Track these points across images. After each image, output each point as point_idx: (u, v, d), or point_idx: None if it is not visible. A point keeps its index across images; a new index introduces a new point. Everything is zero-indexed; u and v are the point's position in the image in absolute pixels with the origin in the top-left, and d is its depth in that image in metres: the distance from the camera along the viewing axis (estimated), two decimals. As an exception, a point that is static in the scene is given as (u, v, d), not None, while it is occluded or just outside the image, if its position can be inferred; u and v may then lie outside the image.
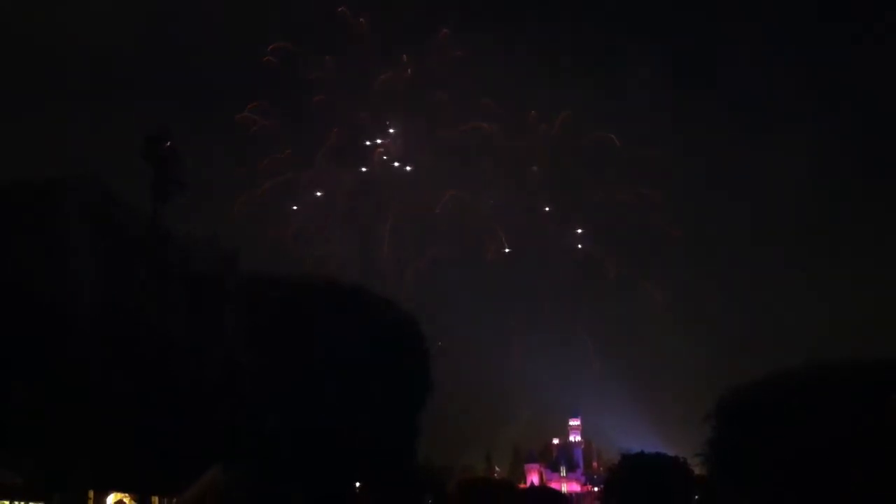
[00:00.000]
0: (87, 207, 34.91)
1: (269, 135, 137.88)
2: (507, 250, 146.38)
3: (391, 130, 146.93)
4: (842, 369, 47.47)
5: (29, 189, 35.22)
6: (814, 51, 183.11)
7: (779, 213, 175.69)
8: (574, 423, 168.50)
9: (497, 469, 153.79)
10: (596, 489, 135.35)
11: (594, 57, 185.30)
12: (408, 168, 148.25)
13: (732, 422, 52.19)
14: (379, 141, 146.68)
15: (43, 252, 33.46)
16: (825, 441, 44.17)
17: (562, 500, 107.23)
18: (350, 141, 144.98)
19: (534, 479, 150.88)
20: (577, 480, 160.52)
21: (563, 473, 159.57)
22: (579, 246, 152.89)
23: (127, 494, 38.46)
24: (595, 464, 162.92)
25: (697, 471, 69.87)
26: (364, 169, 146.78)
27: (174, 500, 38.06)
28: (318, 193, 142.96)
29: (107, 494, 37.37)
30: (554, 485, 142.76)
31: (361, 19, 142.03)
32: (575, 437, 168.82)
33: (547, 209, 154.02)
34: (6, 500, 32.72)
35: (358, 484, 49.63)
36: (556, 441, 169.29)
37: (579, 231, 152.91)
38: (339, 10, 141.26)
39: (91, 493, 35.43)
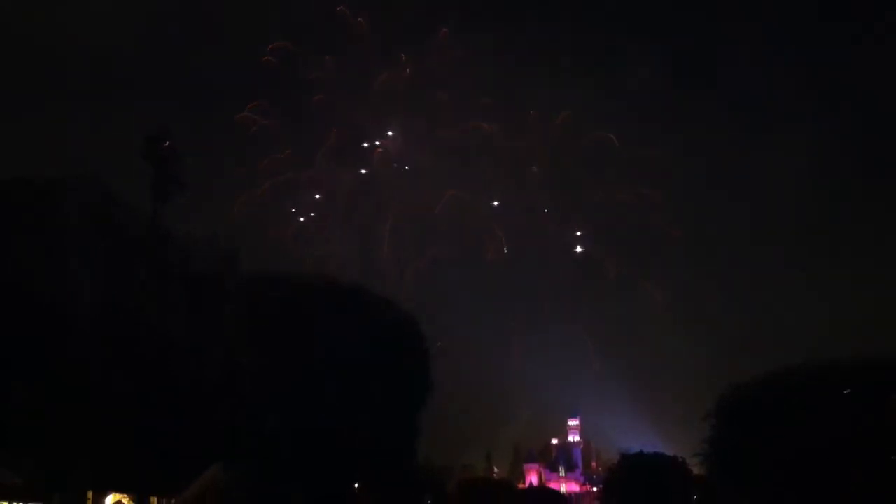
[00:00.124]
0: (87, 207, 34.93)
1: (269, 135, 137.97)
2: (506, 250, 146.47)
3: (391, 131, 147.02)
4: (842, 368, 47.39)
5: (29, 189, 35.24)
6: (814, 51, 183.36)
7: (779, 213, 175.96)
8: (573, 423, 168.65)
9: (496, 469, 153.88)
10: (595, 489, 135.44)
11: (594, 57, 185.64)
12: (407, 168, 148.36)
13: (732, 421, 52.07)
14: (379, 141, 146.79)
15: (43, 252, 33.46)
16: (825, 440, 44.09)
17: (561, 501, 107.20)
18: (350, 141, 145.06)
19: (533, 479, 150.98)
20: (577, 480, 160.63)
21: (563, 473, 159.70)
22: (579, 246, 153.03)
23: (125, 495, 38.43)
24: (594, 464, 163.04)
25: (696, 470, 69.82)
26: (364, 169, 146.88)
27: (173, 501, 38.06)
28: (318, 195, 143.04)
29: (105, 495, 37.34)
30: (553, 485, 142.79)
31: (360, 19, 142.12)
32: (574, 437, 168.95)
33: (547, 209, 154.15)
34: (6, 500, 32.68)
35: (357, 484, 49.59)
36: (555, 441, 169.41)
37: (579, 231, 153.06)
38: (339, 9, 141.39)
39: (90, 494, 35.39)
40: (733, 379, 54.71)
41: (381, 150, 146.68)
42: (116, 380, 34.33)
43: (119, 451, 33.81)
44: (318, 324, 43.29)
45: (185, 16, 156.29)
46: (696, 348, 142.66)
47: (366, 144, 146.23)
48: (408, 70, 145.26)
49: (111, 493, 38.30)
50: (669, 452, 78.95)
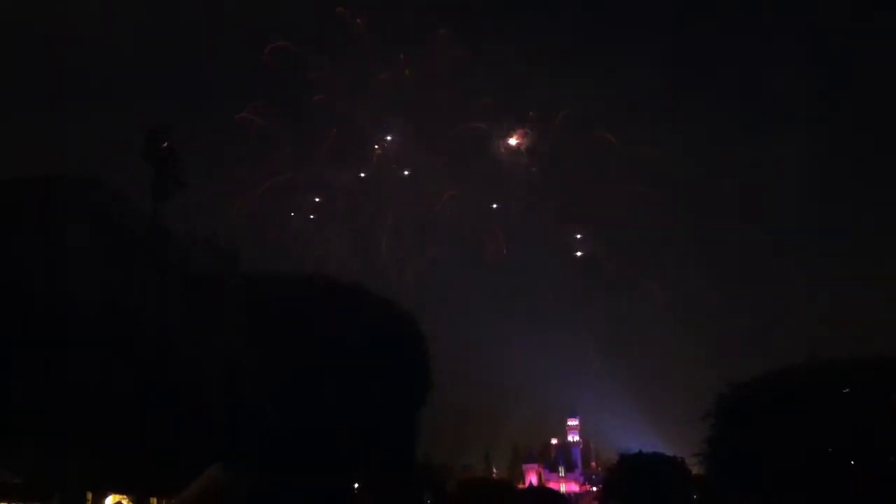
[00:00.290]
0: (87, 207, 34.83)
1: (268, 134, 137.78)
2: (506, 251, 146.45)
3: (390, 131, 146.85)
4: (841, 368, 47.45)
5: (29, 188, 35.16)
6: (814, 50, 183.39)
7: (779, 212, 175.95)
8: (572, 422, 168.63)
9: (494, 469, 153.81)
10: (594, 489, 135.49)
11: (594, 57, 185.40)
12: (407, 168, 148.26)
13: (731, 420, 52.08)
14: (378, 141, 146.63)
15: (43, 252, 33.40)
16: (824, 439, 44.16)
17: (561, 501, 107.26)
18: (349, 141, 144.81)
19: (532, 479, 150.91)
20: (576, 480, 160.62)
21: (562, 473, 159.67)
22: (579, 246, 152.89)
23: (125, 496, 38.34)
24: (593, 463, 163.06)
25: (695, 470, 69.84)
26: (363, 169, 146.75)
27: (172, 501, 37.95)
28: (317, 195, 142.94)
29: (105, 496, 37.26)
30: (552, 485, 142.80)
31: (359, 20, 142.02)
32: (573, 437, 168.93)
33: (547, 209, 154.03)
34: (6, 500, 32.64)
35: (357, 484, 49.62)
36: (554, 441, 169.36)
37: (579, 231, 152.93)
38: (338, 10, 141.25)
39: (89, 495, 35.32)
40: (732, 379, 54.76)
41: (380, 150, 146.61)
42: (116, 380, 34.28)
43: (119, 452, 33.76)
44: (318, 324, 43.34)
45: (185, 15, 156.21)
46: (695, 348, 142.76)
47: (365, 144, 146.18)
48: (407, 70, 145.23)
49: (111, 493, 38.22)
50: (669, 452, 79.04)
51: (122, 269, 36.46)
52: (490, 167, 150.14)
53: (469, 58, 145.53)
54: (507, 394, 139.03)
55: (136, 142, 41.86)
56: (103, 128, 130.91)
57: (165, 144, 40.99)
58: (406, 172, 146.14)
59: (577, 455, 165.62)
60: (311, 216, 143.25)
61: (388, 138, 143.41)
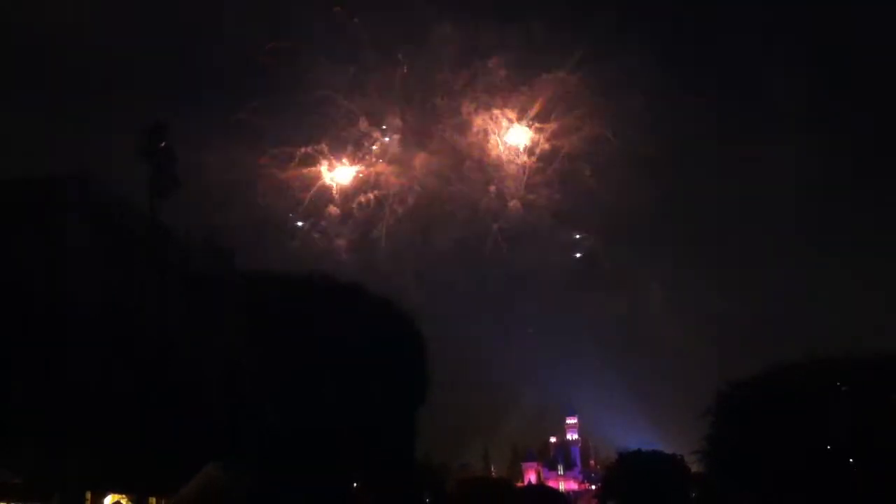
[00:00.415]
0: (87, 207, 34.81)
1: (267, 134, 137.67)
2: (505, 249, 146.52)
3: (390, 130, 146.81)
4: (840, 366, 47.48)
5: (29, 188, 35.13)
6: (814, 50, 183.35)
7: (779, 209, 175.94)
8: (571, 421, 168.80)
9: (493, 468, 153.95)
10: (593, 487, 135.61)
11: (594, 55, 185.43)
12: (406, 166, 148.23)
13: (730, 418, 52.13)
14: (377, 139, 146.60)
15: (43, 252, 33.38)
16: (825, 438, 44.23)
17: (560, 499, 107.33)
18: (349, 140, 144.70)
19: (531, 477, 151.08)
20: (575, 479, 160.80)
21: (561, 472, 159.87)
22: (578, 246, 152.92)
23: (124, 495, 38.34)
24: (592, 462, 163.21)
25: (694, 468, 69.89)
26: (363, 168, 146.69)
27: (170, 501, 37.94)
28: (318, 193, 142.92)
29: (104, 495, 37.26)
30: (551, 483, 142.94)
31: (356, 19, 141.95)
32: (572, 436, 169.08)
33: (547, 208, 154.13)
34: (6, 500, 32.64)
35: (356, 484, 49.67)
36: (553, 439, 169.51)
37: (579, 230, 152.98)
38: (337, 9, 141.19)
39: (88, 495, 35.33)
40: (732, 376, 54.76)
41: (379, 148, 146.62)
42: (116, 379, 34.28)
43: (119, 452, 33.77)
44: (317, 323, 43.37)
45: (184, 15, 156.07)
46: (694, 346, 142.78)
47: (366, 143, 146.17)
48: (406, 68, 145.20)
49: (110, 493, 38.22)
50: (668, 450, 79.11)
51: (122, 269, 36.44)
52: (491, 166, 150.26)
53: (468, 57, 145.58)
54: (505, 392, 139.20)
55: (134, 141, 41.82)
56: (103, 128, 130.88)
57: (163, 144, 40.97)
58: (406, 166, 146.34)
59: (575, 453, 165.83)
60: (311, 215, 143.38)
61: (387, 139, 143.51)
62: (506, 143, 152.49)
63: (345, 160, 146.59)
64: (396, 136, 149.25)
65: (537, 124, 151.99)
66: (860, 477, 43.35)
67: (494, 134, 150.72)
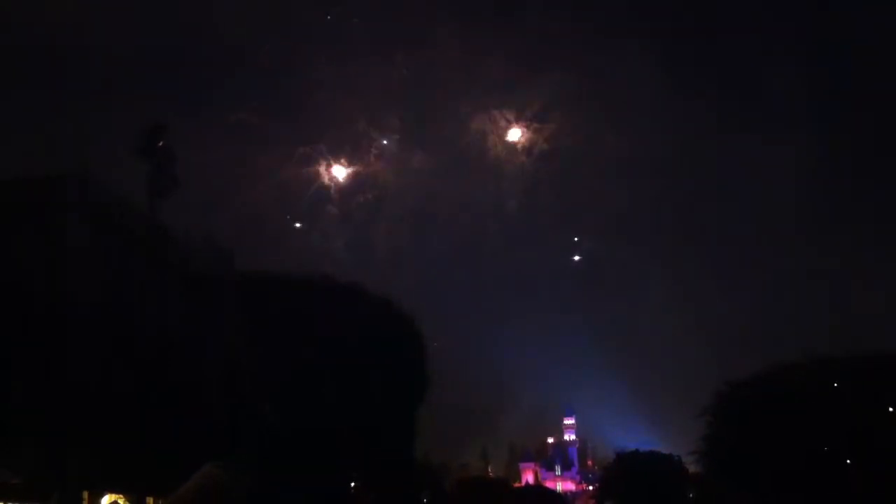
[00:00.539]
0: (87, 207, 34.82)
1: (268, 134, 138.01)
2: (505, 249, 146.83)
3: (389, 130, 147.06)
4: (839, 365, 47.52)
5: (29, 188, 35.14)
6: (814, 49, 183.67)
7: (776, 210, 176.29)
8: (569, 421, 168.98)
9: (490, 468, 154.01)
10: (591, 488, 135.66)
11: (593, 55, 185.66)
12: (405, 166, 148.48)
13: (728, 418, 52.18)
14: (377, 140, 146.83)
15: (43, 252, 33.38)
16: (823, 438, 44.26)
17: (558, 500, 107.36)
18: (348, 140, 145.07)
19: (529, 477, 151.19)
20: (573, 479, 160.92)
21: (559, 472, 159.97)
22: (578, 245, 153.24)
23: (122, 495, 38.34)
24: (590, 462, 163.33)
25: (692, 468, 69.97)
26: (362, 167, 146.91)
27: (167, 501, 37.86)
28: (316, 194, 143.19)
29: (101, 495, 37.26)
30: (549, 483, 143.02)
31: (356, 19, 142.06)
32: (570, 436, 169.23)
33: (547, 208, 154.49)
34: (5, 499, 32.63)
35: (355, 483, 49.69)
36: (551, 440, 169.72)
37: (578, 230, 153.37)
38: (338, 9, 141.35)
39: (86, 494, 35.33)
40: (730, 376, 54.82)
41: (379, 148, 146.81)
42: (116, 379, 34.29)
43: (118, 452, 33.78)
44: (317, 323, 43.36)
45: (183, 15, 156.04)
46: (694, 346, 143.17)
47: (365, 143, 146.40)
48: (405, 69, 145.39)
49: (107, 493, 38.22)
50: (665, 450, 79.19)
51: (122, 269, 36.46)
52: (489, 166, 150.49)
53: (468, 58, 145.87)
54: (503, 392, 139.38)
55: (132, 140, 41.83)
56: (103, 128, 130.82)
57: (162, 143, 40.99)
58: (404, 166, 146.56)
59: (573, 454, 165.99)
60: (310, 215, 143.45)
61: (389, 131, 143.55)
62: (504, 143, 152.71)
63: (343, 160, 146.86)
64: (395, 136, 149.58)
65: (536, 124, 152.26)
66: (858, 478, 43.40)
67: (493, 134, 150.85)
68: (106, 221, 35.87)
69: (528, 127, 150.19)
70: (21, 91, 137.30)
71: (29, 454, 31.93)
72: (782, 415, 46.74)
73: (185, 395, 36.52)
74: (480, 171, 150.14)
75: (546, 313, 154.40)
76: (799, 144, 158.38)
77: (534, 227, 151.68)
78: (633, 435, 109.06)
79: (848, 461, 44.60)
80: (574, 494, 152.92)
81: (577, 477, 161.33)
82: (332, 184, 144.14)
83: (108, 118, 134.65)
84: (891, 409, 45.40)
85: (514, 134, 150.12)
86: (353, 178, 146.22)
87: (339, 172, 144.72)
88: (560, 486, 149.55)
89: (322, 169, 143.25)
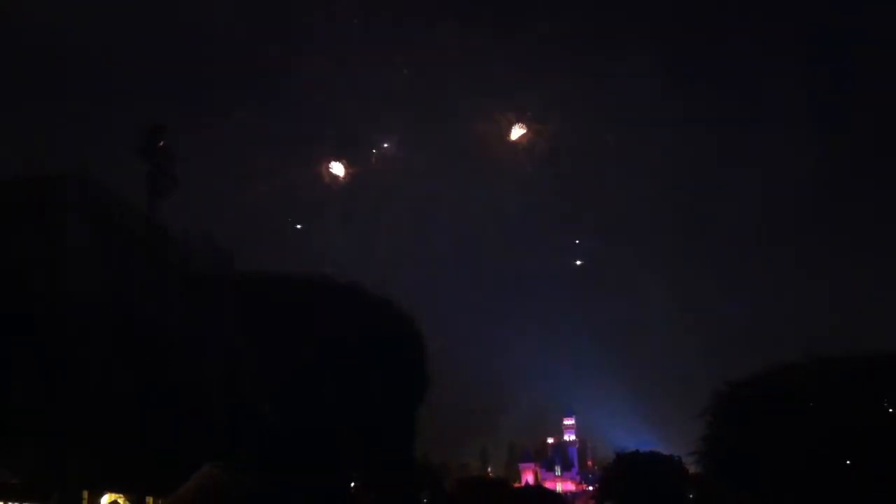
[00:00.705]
0: (87, 207, 34.85)
1: (267, 134, 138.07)
2: (506, 250, 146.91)
3: (389, 130, 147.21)
4: (839, 365, 47.44)
5: (29, 188, 35.15)
6: (814, 49, 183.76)
7: (779, 208, 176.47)
8: (569, 421, 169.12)
9: (490, 468, 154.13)
10: (591, 488, 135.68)
11: (594, 55, 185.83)
12: (405, 167, 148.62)
13: (728, 418, 52.10)
14: (377, 140, 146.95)
15: (43, 252, 33.39)
16: (824, 437, 44.16)
17: (558, 500, 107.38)
18: (348, 140, 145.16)
19: (528, 478, 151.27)
20: (572, 479, 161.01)
21: (558, 472, 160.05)
22: (578, 245, 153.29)
23: (122, 495, 38.37)
24: (590, 463, 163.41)
25: (692, 469, 69.93)
26: (362, 167, 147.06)
27: (167, 500, 37.88)
28: (317, 192, 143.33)
29: (101, 495, 37.28)
30: (549, 484, 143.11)
31: (356, 20, 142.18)
32: (570, 436, 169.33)
33: (547, 208, 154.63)
34: (5, 499, 32.64)
35: (355, 483, 49.70)
36: (551, 440, 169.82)
37: (579, 231, 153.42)
38: (338, 10, 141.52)
39: (85, 494, 35.35)
40: (729, 376, 54.75)
41: (379, 148, 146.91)
42: (116, 379, 34.32)
43: (118, 451, 33.80)
44: (316, 323, 43.38)
45: (183, 15, 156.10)
46: (693, 346, 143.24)
47: (365, 143, 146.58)
48: (405, 69, 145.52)
49: (107, 492, 38.23)
50: (665, 451, 79.21)
51: (122, 269, 36.48)
52: (489, 166, 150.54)
53: (468, 58, 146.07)
54: (503, 392, 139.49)
55: (132, 140, 41.93)
56: (100, 127, 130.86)
57: (161, 143, 41.09)
58: (406, 167, 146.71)
59: (573, 454, 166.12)
60: (310, 215, 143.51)
61: (389, 130, 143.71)
62: (505, 143, 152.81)
63: (343, 160, 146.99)
64: (395, 137, 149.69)
65: (536, 125, 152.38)
66: (858, 478, 43.35)
67: (493, 134, 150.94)
68: (106, 221, 35.88)
69: (528, 127, 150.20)
70: (21, 91, 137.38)
71: (29, 454, 31.93)
72: (782, 415, 46.67)
73: (185, 396, 36.55)
74: (480, 172, 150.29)
75: (546, 313, 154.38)
76: (799, 144, 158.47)
77: (534, 227, 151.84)
78: (633, 435, 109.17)
79: (848, 461, 44.54)
80: (574, 495, 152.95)
81: (577, 477, 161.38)
82: (332, 184, 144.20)
83: (108, 118, 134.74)
84: (891, 410, 45.34)
85: (515, 134, 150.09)
86: (353, 179, 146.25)
87: (340, 172, 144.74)
88: (560, 487, 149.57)
89: (322, 169, 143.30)
